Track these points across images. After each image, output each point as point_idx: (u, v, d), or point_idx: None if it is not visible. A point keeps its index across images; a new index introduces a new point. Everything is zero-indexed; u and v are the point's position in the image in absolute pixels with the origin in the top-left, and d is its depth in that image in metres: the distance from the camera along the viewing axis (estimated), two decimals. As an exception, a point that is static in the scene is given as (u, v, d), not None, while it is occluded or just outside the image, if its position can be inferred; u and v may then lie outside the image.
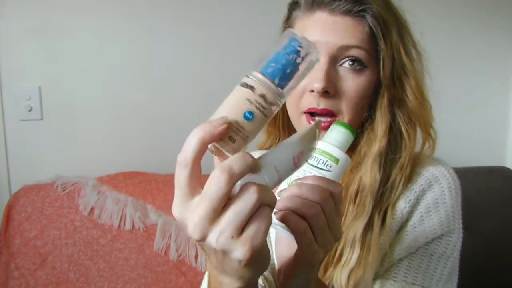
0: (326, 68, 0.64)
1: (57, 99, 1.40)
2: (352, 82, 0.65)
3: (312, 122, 0.65)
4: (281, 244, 0.54)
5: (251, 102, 0.38)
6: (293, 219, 0.43)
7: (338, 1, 0.64)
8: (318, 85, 0.63)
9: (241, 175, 0.36)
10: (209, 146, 0.38)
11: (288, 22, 0.73)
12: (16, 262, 1.21)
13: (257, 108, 0.38)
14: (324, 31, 0.65)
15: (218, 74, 1.49)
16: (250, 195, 0.36)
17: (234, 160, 0.36)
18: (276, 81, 0.39)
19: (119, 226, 1.28)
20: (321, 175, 0.49)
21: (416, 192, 0.68)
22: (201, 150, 0.36)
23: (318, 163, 0.52)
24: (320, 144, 0.52)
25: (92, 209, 1.28)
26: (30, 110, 1.38)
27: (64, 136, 1.42)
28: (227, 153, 0.39)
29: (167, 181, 1.37)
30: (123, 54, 1.44)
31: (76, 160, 1.43)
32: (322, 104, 0.65)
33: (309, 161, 0.51)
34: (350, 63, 0.65)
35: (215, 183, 0.35)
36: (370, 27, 0.65)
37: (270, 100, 0.39)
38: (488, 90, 1.80)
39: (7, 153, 1.39)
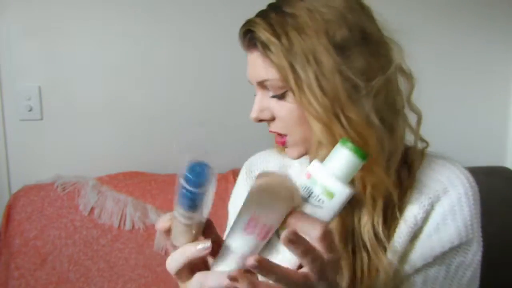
0: (258, 99, 0.67)
1: (57, 99, 1.40)
2: (280, 108, 0.65)
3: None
4: None
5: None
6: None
7: (242, 37, 0.67)
8: (251, 115, 0.67)
9: None
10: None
11: None
12: (16, 262, 1.21)
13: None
14: (248, 69, 0.68)
15: (219, 74, 1.49)
16: None
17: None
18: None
19: (119, 226, 1.28)
20: (311, 213, 0.43)
21: (430, 198, 0.65)
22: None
23: (310, 195, 0.44)
24: (317, 169, 0.44)
25: (92, 209, 1.28)
26: (30, 110, 1.38)
27: (64, 136, 1.42)
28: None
29: (167, 181, 1.37)
30: (123, 54, 1.44)
31: (76, 160, 1.43)
32: (271, 127, 0.68)
33: (302, 192, 0.44)
34: (270, 93, 0.65)
35: None
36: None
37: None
38: (488, 90, 1.79)
39: (7, 153, 1.39)
